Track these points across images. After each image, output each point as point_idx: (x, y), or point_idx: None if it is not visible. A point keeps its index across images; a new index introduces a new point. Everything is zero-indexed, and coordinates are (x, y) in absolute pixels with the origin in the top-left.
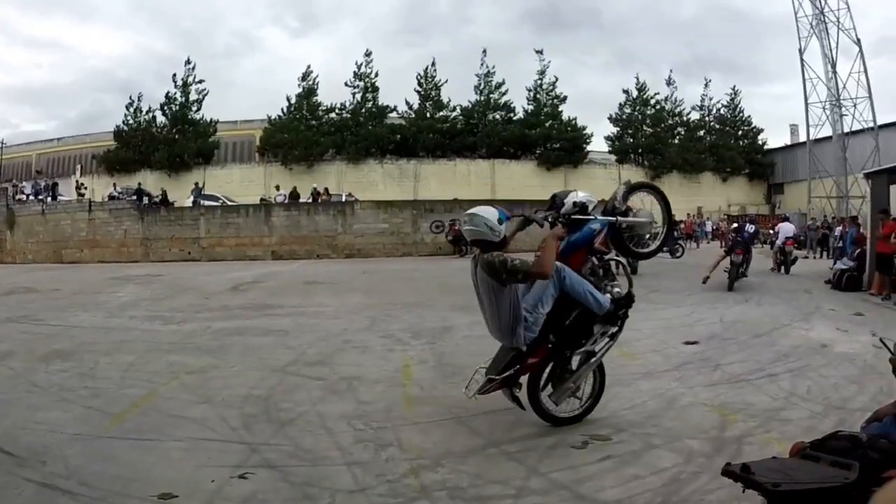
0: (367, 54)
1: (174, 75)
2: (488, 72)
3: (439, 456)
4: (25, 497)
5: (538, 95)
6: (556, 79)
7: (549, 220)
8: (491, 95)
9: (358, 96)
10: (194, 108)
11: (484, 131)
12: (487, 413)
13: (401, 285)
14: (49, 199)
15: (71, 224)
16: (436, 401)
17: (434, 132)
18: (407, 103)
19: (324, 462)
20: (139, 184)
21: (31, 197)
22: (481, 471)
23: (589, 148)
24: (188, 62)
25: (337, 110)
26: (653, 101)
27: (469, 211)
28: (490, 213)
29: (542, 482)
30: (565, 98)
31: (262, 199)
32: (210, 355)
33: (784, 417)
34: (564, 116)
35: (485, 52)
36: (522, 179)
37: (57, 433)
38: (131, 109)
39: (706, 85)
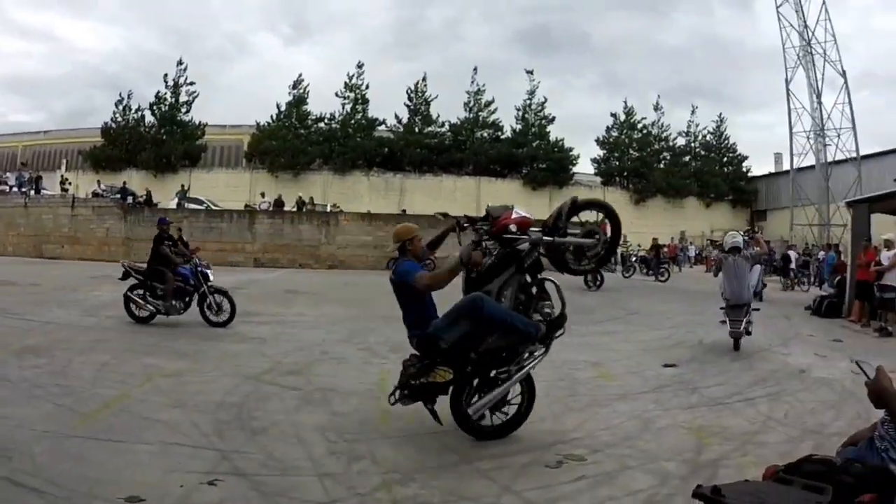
0: (359, 66)
1: (165, 75)
2: (478, 90)
3: (412, 471)
4: None
5: (526, 115)
6: (546, 99)
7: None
8: (480, 113)
9: (348, 107)
10: (183, 110)
11: (471, 148)
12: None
13: (382, 298)
14: (32, 192)
15: (53, 219)
16: (410, 415)
17: (422, 147)
18: (396, 117)
19: (295, 472)
20: (124, 182)
21: (15, 189)
22: (453, 487)
23: (575, 169)
24: (180, 63)
25: (326, 120)
26: (639, 126)
27: (733, 231)
28: (739, 235)
29: (514, 501)
30: (553, 119)
31: (246, 206)
32: (186, 359)
33: (761, 441)
34: (552, 137)
35: (475, 69)
36: (508, 198)
37: (25, 429)
38: (120, 107)
39: (693, 112)
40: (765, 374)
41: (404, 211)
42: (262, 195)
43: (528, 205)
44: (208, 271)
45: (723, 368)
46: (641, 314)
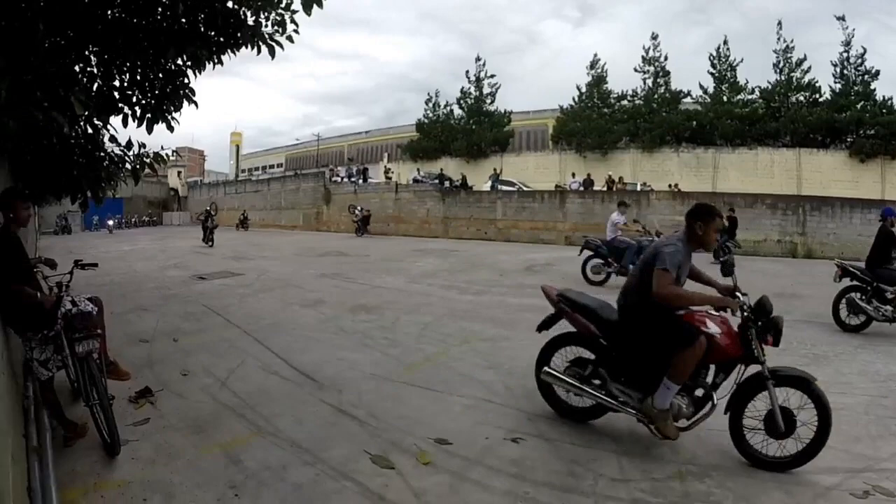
0: (654, 37)
1: (467, 72)
2: (787, 47)
3: (709, 467)
4: (320, 415)
5: (846, 71)
6: (864, 50)
7: None
8: (792, 74)
9: (649, 82)
10: (488, 101)
11: (787, 116)
12: None
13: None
14: (360, 181)
15: (379, 202)
16: (718, 409)
17: (732, 118)
18: (701, 87)
19: (595, 445)
20: (441, 169)
21: (345, 179)
22: (748, 494)
23: None
24: (478, 59)
25: (629, 97)
26: None
27: None
28: None
29: None
30: (877, 73)
31: (556, 186)
32: (501, 327)
33: None
34: (878, 96)
35: (780, 24)
36: (831, 172)
37: (356, 370)
38: (430, 104)
39: None
40: None
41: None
42: (573, 175)
43: (857, 181)
44: None
45: None
46: None
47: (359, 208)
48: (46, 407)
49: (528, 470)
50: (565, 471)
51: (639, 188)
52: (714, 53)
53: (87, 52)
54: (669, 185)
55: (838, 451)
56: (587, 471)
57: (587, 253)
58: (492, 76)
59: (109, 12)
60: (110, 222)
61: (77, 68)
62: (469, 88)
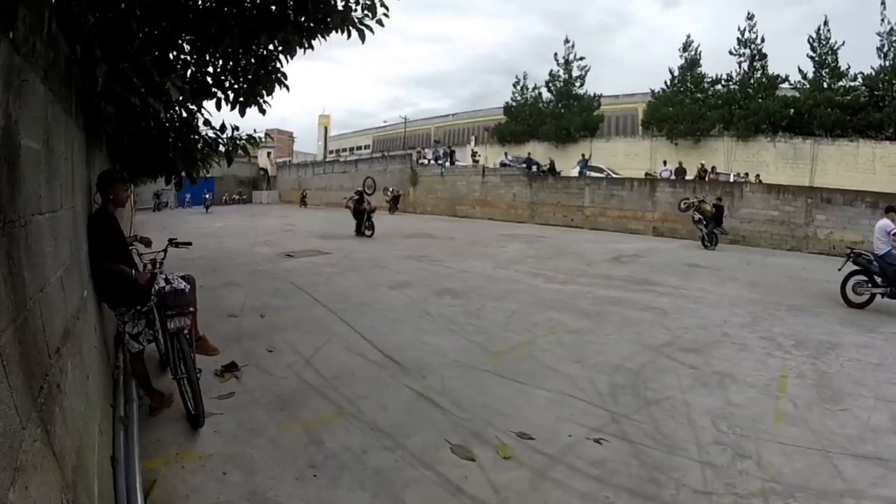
0: (750, 17)
1: (555, 54)
2: (891, 29)
3: (794, 486)
4: (403, 400)
5: None
6: None
7: None
8: None
9: (744, 65)
10: (577, 84)
11: (891, 105)
12: (859, 457)
13: (789, 284)
14: (447, 164)
15: (465, 185)
16: (807, 424)
17: (832, 106)
18: (800, 71)
19: (678, 452)
20: (529, 153)
21: (432, 161)
22: None
23: None
24: (567, 41)
25: (723, 82)
26: None
27: None
28: None
29: None
30: None
31: (646, 174)
32: (588, 319)
33: None
34: None
35: (883, 3)
36: None
37: (440, 356)
38: (518, 87)
39: None
40: None
41: None
42: (664, 163)
43: None
44: None
45: None
46: None
47: (390, 189)
48: (135, 378)
49: (609, 473)
50: (647, 477)
51: (732, 179)
52: (813, 35)
53: (180, 41)
54: (746, 174)
55: None
56: (669, 479)
57: (850, 266)
58: (581, 58)
59: (201, 2)
60: (206, 198)
61: (171, 56)
62: (558, 71)
